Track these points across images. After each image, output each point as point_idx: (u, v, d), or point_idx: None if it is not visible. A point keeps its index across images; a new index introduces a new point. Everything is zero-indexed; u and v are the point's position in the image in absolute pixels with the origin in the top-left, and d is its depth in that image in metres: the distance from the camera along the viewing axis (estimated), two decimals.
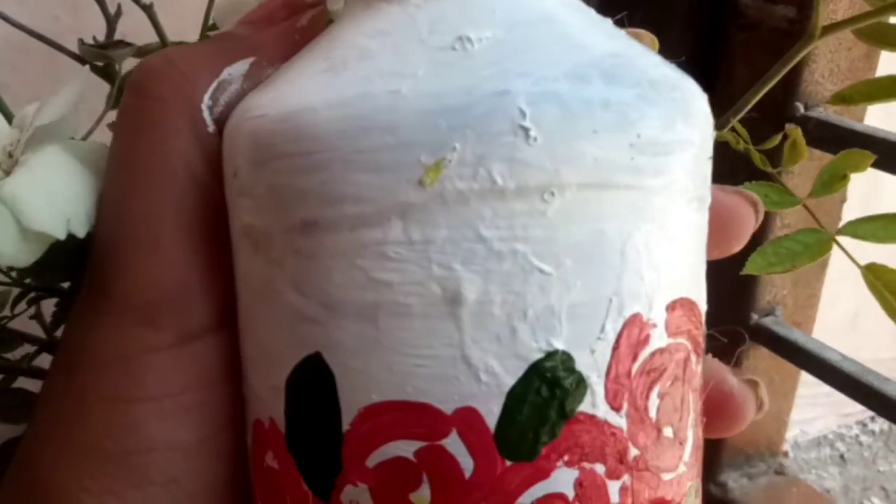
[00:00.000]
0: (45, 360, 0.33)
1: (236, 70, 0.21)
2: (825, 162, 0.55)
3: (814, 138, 0.51)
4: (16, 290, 0.28)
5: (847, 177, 0.27)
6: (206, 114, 0.20)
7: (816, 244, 0.26)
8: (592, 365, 0.17)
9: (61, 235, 0.21)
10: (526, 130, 0.16)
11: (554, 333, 0.17)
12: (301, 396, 0.18)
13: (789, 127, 0.28)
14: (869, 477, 1.14)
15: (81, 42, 0.32)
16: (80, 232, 0.21)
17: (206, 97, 0.20)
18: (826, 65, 0.53)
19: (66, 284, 0.28)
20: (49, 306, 0.30)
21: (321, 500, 0.18)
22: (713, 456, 0.66)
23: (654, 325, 0.18)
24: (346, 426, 0.18)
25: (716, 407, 0.22)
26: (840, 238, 0.27)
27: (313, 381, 0.18)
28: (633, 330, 0.18)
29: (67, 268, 0.22)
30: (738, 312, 0.58)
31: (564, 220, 0.17)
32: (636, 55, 0.18)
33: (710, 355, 0.23)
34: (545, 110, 0.16)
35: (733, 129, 0.29)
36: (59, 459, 0.20)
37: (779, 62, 0.29)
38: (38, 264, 0.21)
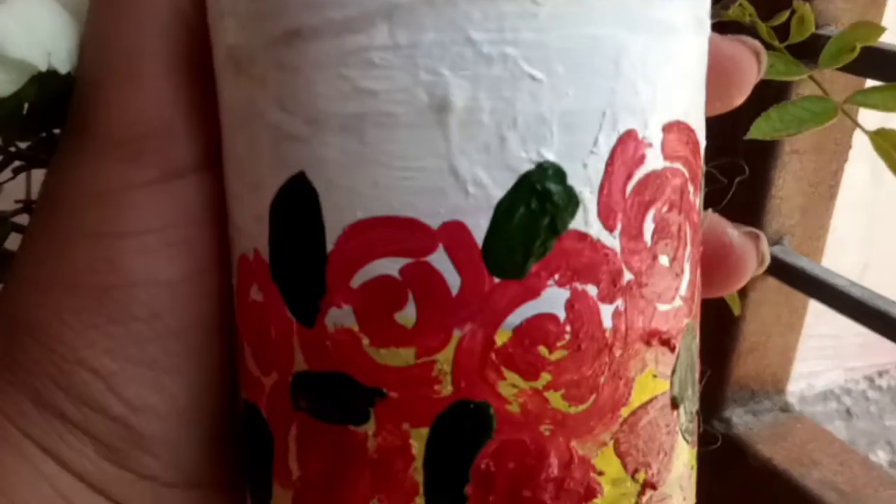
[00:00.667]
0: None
1: None
2: (837, 80, 0.54)
3: None
4: None
5: (856, 48, 0.26)
6: None
7: (822, 111, 0.25)
8: (585, 179, 0.17)
9: (42, 66, 0.20)
10: None
11: (545, 144, 0.17)
12: (285, 220, 0.18)
13: (797, 2, 0.28)
14: (875, 431, 1.13)
15: None
16: (62, 67, 0.20)
17: None
18: None
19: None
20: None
21: (305, 327, 0.18)
22: (717, 391, 0.65)
23: (650, 145, 0.17)
24: (330, 246, 0.17)
25: (717, 259, 0.22)
26: (848, 108, 0.26)
27: (297, 203, 0.18)
28: (628, 146, 0.17)
29: (53, 111, 0.22)
30: None
31: (557, 22, 0.16)
32: None
33: (728, 223, 0.23)
34: None
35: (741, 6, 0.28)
36: (40, 298, 0.20)
37: None
38: (24, 106, 0.21)
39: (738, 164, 0.24)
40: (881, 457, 1.09)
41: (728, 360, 0.63)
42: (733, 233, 0.22)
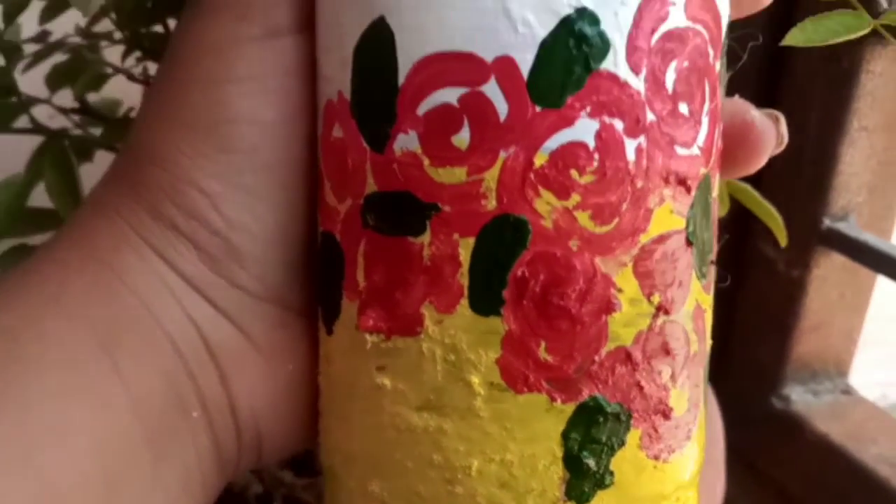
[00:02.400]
0: None
1: None
2: None
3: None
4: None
5: None
6: None
7: (855, 24, 0.27)
8: (616, 26, 0.20)
9: None
10: None
11: None
12: (366, 60, 0.21)
13: None
14: None
15: None
16: None
17: None
18: None
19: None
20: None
21: (377, 153, 0.21)
22: (778, 369, 0.67)
23: (674, 4, 0.21)
24: (401, 80, 0.21)
25: (738, 136, 0.25)
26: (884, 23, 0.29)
27: (377, 43, 0.21)
28: (654, 2, 0.20)
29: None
30: (809, 215, 0.59)
31: None
32: None
33: (751, 105, 0.26)
34: None
35: None
36: (162, 131, 0.24)
37: None
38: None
39: (754, 35, 0.26)
40: None
41: (789, 338, 0.65)
42: (755, 113, 0.25)
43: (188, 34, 0.24)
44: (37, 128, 0.33)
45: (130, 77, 0.34)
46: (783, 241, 0.37)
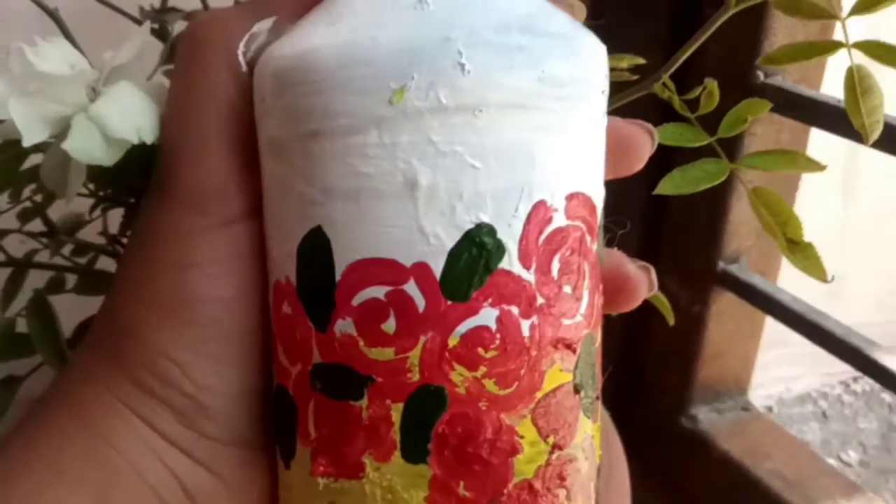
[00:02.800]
0: (105, 264, 0.40)
1: (263, 26, 0.28)
2: (785, 125, 0.62)
3: (774, 104, 0.58)
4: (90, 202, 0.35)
5: (747, 120, 0.34)
6: (241, 58, 0.27)
7: (716, 171, 0.32)
8: (509, 234, 0.24)
9: (134, 140, 0.28)
10: (462, 66, 0.23)
11: (482, 211, 0.24)
12: (307, 258, 0.26)
13: (708, 80, 0.35)
14: (848, 433, 1.20)
15: (141, 8, 0.40)
16: (148, 139, 0.28)
17: (241, 45, 0.27)
18: (784, 38, 0.60)
19: (131, 200, 0.36)
20: (116, 220, 0.38)
21: (321, 332, 0.26)
22: (686, 392, 0.73)
23: (556, 210, 0.25)
24: (338, 277, 0.25)
25: (617, 285, 0.29)
26: (739, 171, 0.34)
27: (316, 247, 0.25)
28: (540, 211, 0.25)
29: (139, 171, 0.29)
30: (705, 259, 0.65)
31: (489, 130, 0.24)
32: (548, 15, 0.25)
33: (628, 259, 0.30)
34: (476, 52, 0.23)
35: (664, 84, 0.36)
36: (136, 309, 0.27)
37: (699, 30, 0.36)
38: (119, 168, 0.28)
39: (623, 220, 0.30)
40: (852, 456, 1.16)
41: (694, 365, 0.71)
42: (631, 265, 0.30)
43: (152, 223, 0.28)
44: (9, 260, 0.37)
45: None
46: (671, 320, 0.42)
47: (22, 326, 0.36)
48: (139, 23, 0.41)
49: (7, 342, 0.34)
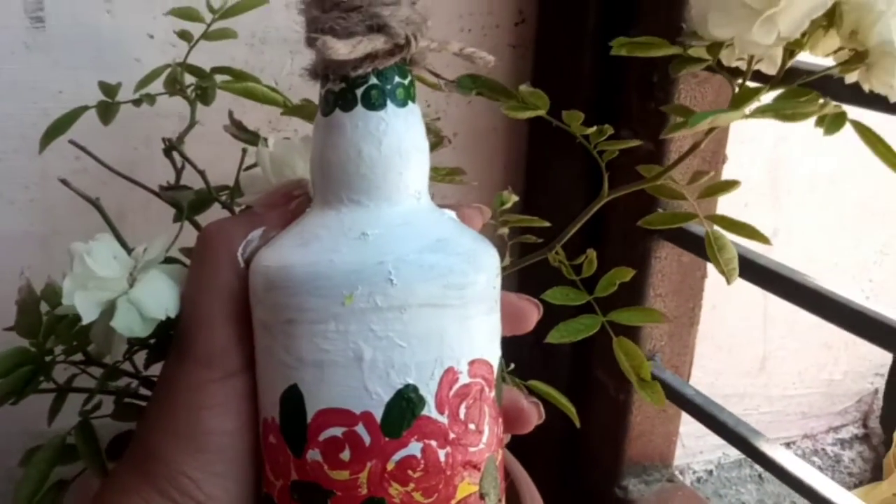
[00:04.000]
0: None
1: (255, 234, 0.37)
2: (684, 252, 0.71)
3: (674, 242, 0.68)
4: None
5: (615, 284, 0.43)
6: (240, 258, 0.36)
7: (591, 324, 0.42)
8: (428, 391, 0.34)
9: (163, 318, 0.37)
10: (391, 280, 0.33)
11: (408, 375, 0.33)
12: (287, 405, 0.35)
13: (590, 251, 0.45)
14: (782, 493, 1.28)
15: (160, 187, 0.49)
16: (172, 315, 0.37)
17: (240, 249, 0.37)
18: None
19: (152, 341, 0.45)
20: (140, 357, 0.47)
21: (297, 458, 0.34)
22: (618, 466, 0.81)
23: (461, 372, 0.34)
24: (309, 420, 0.34)
25: (514, 414, 0.38)
26: (608, 320, 0.43)
27: (293, 398, 0.34)
28: (449, 375, 0.34)
29: (167, 334, 0.38)
30: None
31: (412, 321, 0.33)
32: (456, 238, 0.35)
33: (523, 396, 0.40)
34: (401, 269, 0.33)
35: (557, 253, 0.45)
36: (160, 437, 0.36)
37: (588, 207, 0.46)
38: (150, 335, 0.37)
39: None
40: None
41: (622, 443, 0.79)
42: (524, 401, 0.39)
43: (174, 375, 0.37)
44: (58, 388, 0.46)
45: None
46: (577, 422, 0.51)
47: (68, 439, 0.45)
48: (158, 196, 0.50)
49: (60, 453, 0.42)
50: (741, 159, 1.01)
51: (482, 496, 0.35)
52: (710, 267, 0.72)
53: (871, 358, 1.31)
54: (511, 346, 0.54)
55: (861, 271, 1.22)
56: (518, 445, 0.62)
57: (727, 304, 1.10)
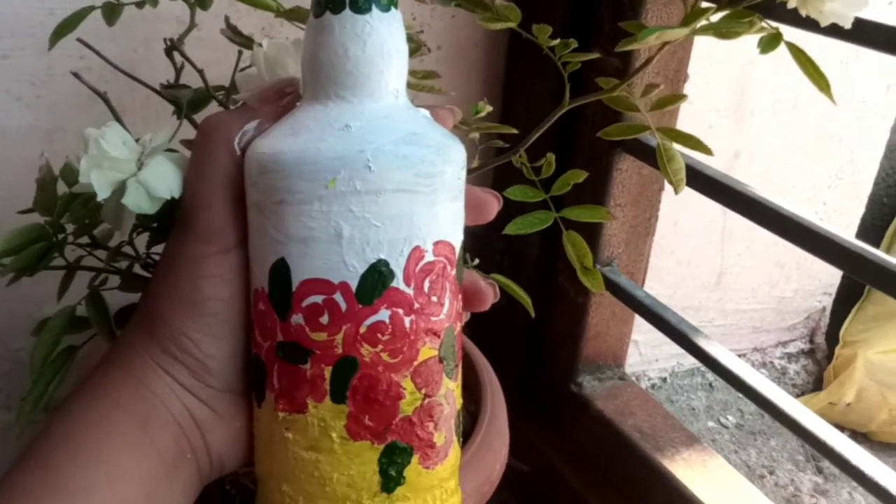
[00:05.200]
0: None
1: (251, 126, 0.41)
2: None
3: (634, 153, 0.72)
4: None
5: (569, 184, 0.47)
6: (236, 146, 0.40)
7: (545, 218, 0.46)
8: (398, 265, 0.38)
9: (168, 197, 0.41)
10: (369, 167, 0.37)
11: (381, 252, 0.38)
12: (275, 276, 0.39)
13: (549, 154, 0.49)
14: (730, 401, 1.35)
15: (161, 85, 0.53)
16: (176, 195, 0.41)
17: (236, 139, 0.40)
18: None
19: (154, 225, 0.49)
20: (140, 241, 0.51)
21: (282, 322, 0.39)
22: (574, 364, 0.87)
23: (426, 251, 0.39)
24: (294, 289, 0.38)
25: (474, 293, 0.43)
26: (560, 216, 0.47)
27: (280, 270, 0.39)
28: (416, 252, 0.38)
29: (169, 214, 0.42)
30: None
31: (386, 204, 0.37)
32: (428, 132, 0.39)
33: (480, 277, 0.44)
34: (378, 158, 0.37)
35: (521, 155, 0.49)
36: (163, 302, 0.40)
37: (551, 114, 0.50)
38: (156, 213, 0.41)
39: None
40: (730, 420, 1.31)
41: (579, 343, 0.85)
42: (482, 281, 0.43)
43: (177, 249, 0.41)
44: (68, 265, 0.50)
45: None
46: (532, 312, 0.55)
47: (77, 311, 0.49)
48: (158, 93, 0.53)
49: (70, 323, 0.47)
50: (708, 81, 1.05)
51: (441, 360, 0.40)
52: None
53: (821, 277, 1.37)
54: (483, 252, 0.58)
55: (816, 194, 1.27)
56: (484, 343, 0.68)
57: (688, 220, 1.15)
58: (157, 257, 0.51)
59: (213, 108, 0.54)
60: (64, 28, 0.53)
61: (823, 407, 1.27)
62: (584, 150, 0.75)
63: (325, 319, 0.38)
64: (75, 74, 0.46)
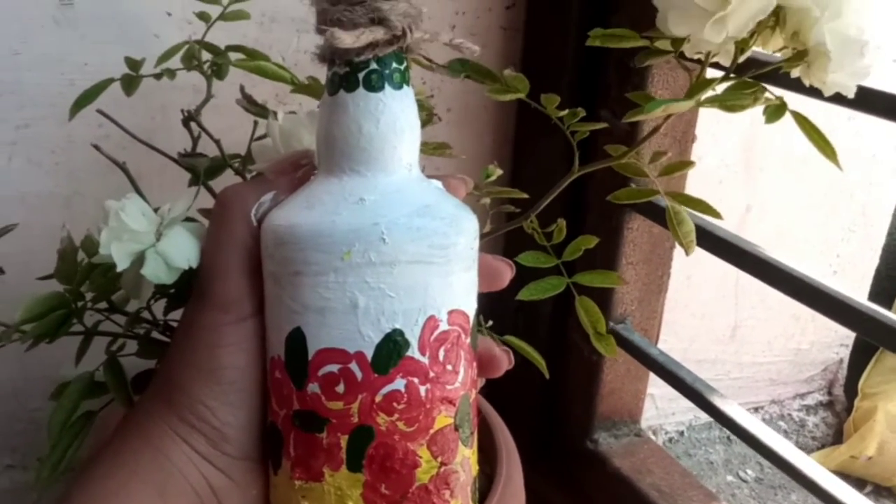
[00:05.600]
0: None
1: (267, 197, 0.42)
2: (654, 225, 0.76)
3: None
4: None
5: (581, 250, 0.48)
6: (253, 217, 0.41)
7: (557, 284, 0.47)
8: (413, 335, 0.38)
9: (185, 267, 0.42)
10: (384, 239, 0.37)
11: (396, 322, 0.38)
12: (291, 345, 0.39)
13: (560, 220, 0.50)
14: (748, 454, 1.34)
15: (179, 153, 0.54)
16: (194, 265, 0.42)
17: (253, 210, 0.41)
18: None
19: (171, 291, 0.49)
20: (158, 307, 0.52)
21: (298, 391, 0.39)
22: (589, 421, 0.87)
23: (441, 320, 0.39)
24: (310, 358, 0.39)
25: (487, 359, 0.43)
26: (572, 281, 0.48)
27: (297, 339, 0.39)
28: (431, 322, 0.39)
29: (187, 283, 0.43)
30: None
31: (400, 275, 0.38)
32: (441, 203, 0.40)
33: (495, 344, 0.45)
34: (392, 230, 0.38)
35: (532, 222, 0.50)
36: (182, 371, 0.41)
37: (561, 181, 0.51)
38: (174, 283, 0.42)
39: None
40: (749, 474, 1.30)
41: (595, 400, 0.85)
42: (496, 349, 0.44)
43: (194, 318, 0.41)
44: (86, 331, 0.51)
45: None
46: (546, 374, 0.56)
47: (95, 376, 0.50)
48: (176, 161, 0.55)
49: (89, 388, 0.48)
50: (717, 138, 1.06)
51: (456, 427, 0.40)
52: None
53: (837, 329, 1.37)
54: (497, 312, 0.59)
55: (829, 247, 1.27)
56: (499, 401, 0.68)
57: (701, 274, 1.16)
58: (174, 323, 0.51)
59: (228, 175, 0.55)
60: (84, 99, 0.55)
61: (845, 460, 1.26)
62: (595, 210, 0.76)
63: (341, 388, 0.39)
64: (95, 147, 0.48)
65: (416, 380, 0.39)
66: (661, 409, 1.28)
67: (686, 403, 1.35)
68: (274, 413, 0.41)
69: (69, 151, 0.73)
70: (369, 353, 0.38)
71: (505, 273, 0.44)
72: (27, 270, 0.55)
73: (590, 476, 0.86)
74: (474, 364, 0.42)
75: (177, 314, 0.46)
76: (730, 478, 1.30)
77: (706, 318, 1.22)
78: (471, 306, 0.41)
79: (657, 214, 0.70)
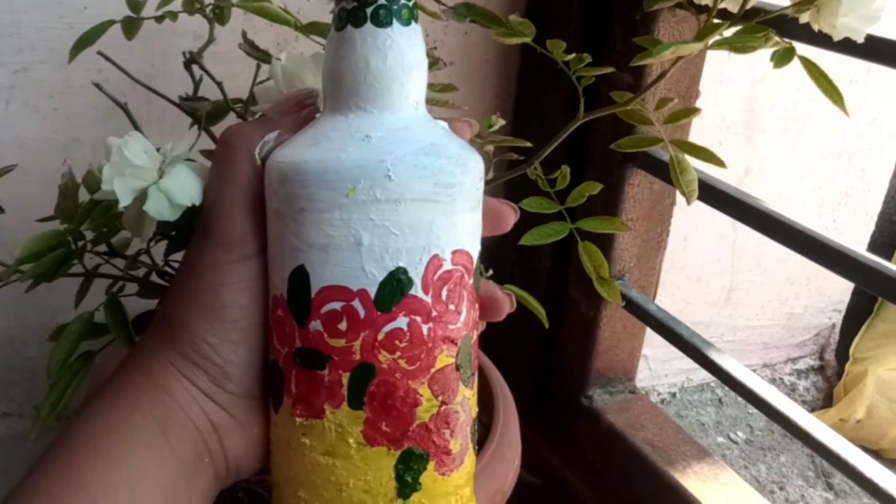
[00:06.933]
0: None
1: (271, 136, 0.41)
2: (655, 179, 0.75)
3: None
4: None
5: (585, 196, 0.48)
6: (257, 156, 0.41)
7: (560, 229, 0.47)
8: (416, 274, 0.38)
9: (188, 204, 0.42)
10: (389, 176, 0.37)
11: (400, 259, 0.38)
12: (294, 283, 0.39)
13: (563, 166, 0.49)
14: (739, 416, 1.35)
15: (180, 97, 0.53)
16: (196, 203, 0.42)
17: (257, 148, 0.41)
18: None
19: (172, 233, 0.49)
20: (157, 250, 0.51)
21: (301, 328, 0.39)
22: (584, 377, 0.87)
23: (445, 260, 0.39)
24: (313, 295, 0.39)
25: (490, 303, 0.43)
26: (575, 227, 0.48)
27: (300, 277, 0.39)
28: (434, 261, 0.39)
29: (188, 223, 0.43)
30: None
31: (405, 213, 0.38)
32: (447, 143, 0.39)
33: (497, 287, 0.44)
34: (398, 167, 0.37)
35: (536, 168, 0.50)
36: (184, 309, 0.41)
37: (566, 127, 0.50)
38: (177, 221, 0.42)
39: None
40: (740, 435, 1.31)
41: (590, 356, 0.85)
42: (499, 291, 0.44)
43: (197, 256, 0.41)
44: (86, 272, 0.50)
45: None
46: (546, 323, 0.56)
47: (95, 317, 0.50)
48: (177, 105, 0.54)
49: (88, 328, 0.47)
50: (719, 99, 1.06)
51: (457, 367, 0.40)
52: (680, 196, 0.77)
53: (831, 294, 1.38)
54: (495, 264, 0.59)
55: (826, 211, 1.27)
56: (497, 357, 0.68)
57: (698, 236, 1.16)
58: (174, 266, 0.51)
59: (231, 119, 0.54)
60: (84, 41, 0.54)
61: (834, 424, 1.27)
62: (596, 164, 0.76)
63: (343, 326, 0.39)
64: (97, 85, 0.47)
65: (418, 318, 0.39)
66: (654, 370, 1.28)
67: (679, 365, 1.36)
68: (276, 351, 0.41)
69: (67, 96, 0.72)
70: (372, 291, 0.38)
71: (509, 216, 0.43)
72: (25, 216, 0.55)
73: (584, 431, 0.87)
74: (476, 306, 0.42)
75: (176, 258, 0.46)
76: (720, 439, 1.31)
77: (702, 281, 1.23)
78: (475, 247, 0.41)
79: (659, 169, 0.70)
